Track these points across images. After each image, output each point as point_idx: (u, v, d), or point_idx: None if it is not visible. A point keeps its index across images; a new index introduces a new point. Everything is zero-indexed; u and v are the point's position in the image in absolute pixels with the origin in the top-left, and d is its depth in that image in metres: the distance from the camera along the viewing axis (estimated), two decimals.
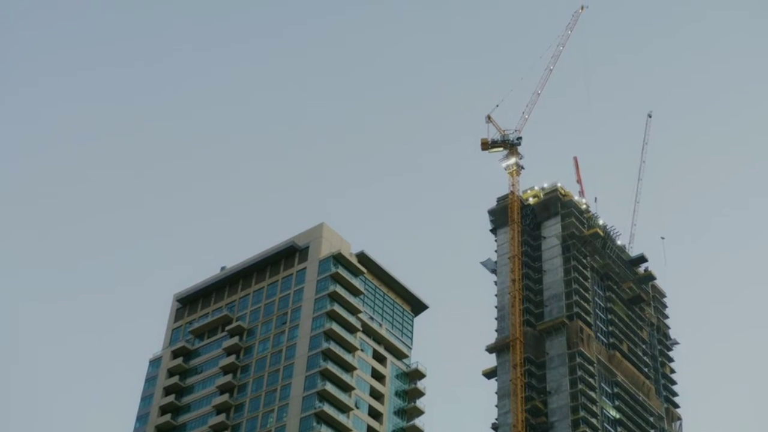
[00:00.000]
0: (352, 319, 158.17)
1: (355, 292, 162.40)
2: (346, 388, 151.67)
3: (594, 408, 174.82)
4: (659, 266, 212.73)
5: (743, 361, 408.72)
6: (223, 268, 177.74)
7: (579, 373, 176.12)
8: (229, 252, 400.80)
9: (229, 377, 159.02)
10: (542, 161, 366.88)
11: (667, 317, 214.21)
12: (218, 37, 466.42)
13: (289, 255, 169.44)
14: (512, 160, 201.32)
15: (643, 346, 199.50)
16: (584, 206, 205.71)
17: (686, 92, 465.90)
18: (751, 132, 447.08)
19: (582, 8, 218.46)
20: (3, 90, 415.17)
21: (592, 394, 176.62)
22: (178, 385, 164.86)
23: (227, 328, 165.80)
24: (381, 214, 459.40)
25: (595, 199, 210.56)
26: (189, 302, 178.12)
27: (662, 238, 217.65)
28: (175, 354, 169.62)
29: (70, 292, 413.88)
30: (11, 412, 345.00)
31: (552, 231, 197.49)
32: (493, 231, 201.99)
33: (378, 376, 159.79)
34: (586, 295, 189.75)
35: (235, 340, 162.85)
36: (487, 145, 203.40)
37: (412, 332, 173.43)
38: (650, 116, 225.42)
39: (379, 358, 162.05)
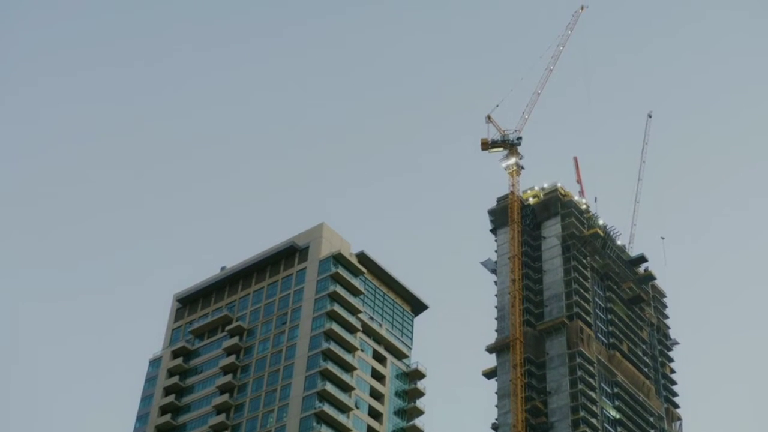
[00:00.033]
0: (352, 319, 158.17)
1: (355, 292, 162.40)
2: (346, 388, 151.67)
3: (594, 408, 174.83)
4: (659, 266, 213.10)
5: (743, 361, 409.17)
6: (223, 268, 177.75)
7: (579, 373, 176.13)
8: (229, 252, 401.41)
9: (229, 377, 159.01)
10: (542, 161, 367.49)
11: (667, 317, 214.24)
12: (218, 37, 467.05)
13: (289, 255, 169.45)
14: (512, 160, 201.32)
15: (643, 346, 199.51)
16: (584, 206, 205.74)
17: (686, 92, 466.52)
18: (751, 132, 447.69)
19: (582, 8, 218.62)
20: (3, 90, 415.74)
21: (592, 394, 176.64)
22: (178, 385, 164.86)
23: (227, 328, 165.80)
24: (381, 214, 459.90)
25: (595, 199, 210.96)
26: (189, 302, 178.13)
27: (662, 238, 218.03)
28: (175, 354, 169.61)
29: (70, 292, 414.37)
30: (11, 412, 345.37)
31: (552, 231, 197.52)
32: (493, 231, 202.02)
33: (378, 376, 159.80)
34: (586, 295, 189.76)
35: (235, 340, 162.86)
36: (487, 145, 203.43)
37: (412, 332, 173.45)
38: (650, 116, 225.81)
39: (379, 358, 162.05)
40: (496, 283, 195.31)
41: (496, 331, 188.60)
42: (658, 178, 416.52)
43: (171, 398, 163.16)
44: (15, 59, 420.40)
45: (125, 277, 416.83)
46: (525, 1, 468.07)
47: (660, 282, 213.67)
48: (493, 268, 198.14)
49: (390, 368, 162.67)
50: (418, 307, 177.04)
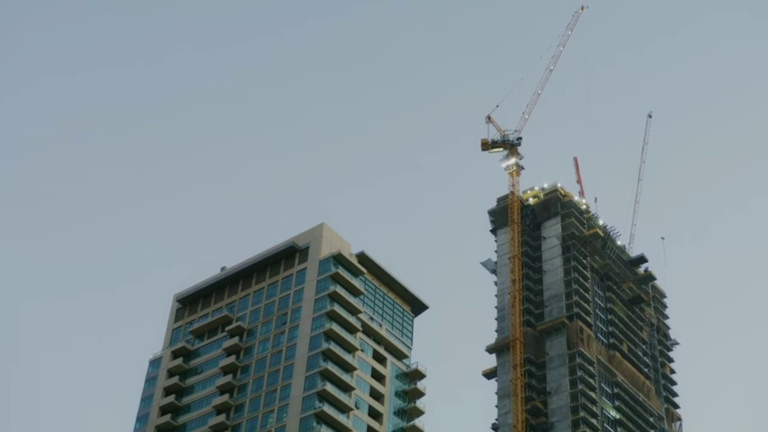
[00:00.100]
0: (352, 319, 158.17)
1: (355, 292, 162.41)
2: (346, 388, 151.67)
3: (594, 408, 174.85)
4: (659, 266, 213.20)
5: (743, 361, 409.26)
6: (223, 268, 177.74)
7: (579, 373, 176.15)
8: (229, 252, 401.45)
9: (229, 377, 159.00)
10: (542, 161, 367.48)
11: (667, 317, 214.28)
12: (218, 37, 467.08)
13: (289, 255, 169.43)
14: (512, 160, 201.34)
15: (643, 347, 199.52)
16: (584, 206, 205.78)
17: (686, 92, 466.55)
18: (751, 132, 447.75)
19: (582, 8, 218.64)
20: (3, 90, 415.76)
21: (592, 394, 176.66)
22: (178, 386, 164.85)
23: (227, 328, 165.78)
24: (381, 214, 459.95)
25: (595, 199, 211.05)
26: (189, 302, 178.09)
27: (662, 238, 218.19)
28: (175, 354, 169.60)
29: (70, 292, 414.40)
30: (11, 412, 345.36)
31: (552, 231, 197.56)
32: (493, 231, 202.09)
33: (378, 377, 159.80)
34: (586, 295, 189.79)
35: (235, 340, 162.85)
36: (487, 146, 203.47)
37: (412, 332, 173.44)
38: (650, 116, 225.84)
39: (379, 359, 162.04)
40: (496, 283, 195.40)
41: (496, 331, 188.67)
42: (658, 178, 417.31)
43: (171, 398, 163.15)
44: (15, 59, 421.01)
45: (125, 277, 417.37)
46: (525, 1, 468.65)
47: (660, 282, 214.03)
48: (493, 268, 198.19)
49: (390, 368, 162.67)
50: (418, 307, 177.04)
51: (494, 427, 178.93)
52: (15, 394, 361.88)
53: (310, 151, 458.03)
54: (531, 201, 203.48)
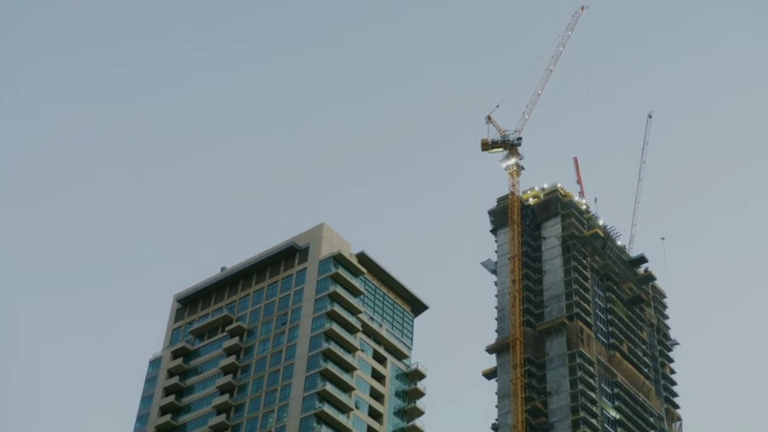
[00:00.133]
0: (352, 319, 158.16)
1: (355, 292, 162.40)
2: (347, 388, 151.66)
3: (594, 408, 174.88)
4: (659, 266, 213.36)
5: (743, 361, 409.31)
6: (223, 269, 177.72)
7: (579, 373, 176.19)
8: (229, 252, 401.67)
9: (229, 377, 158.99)
10: (542, 161, 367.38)
11: (667, 317, 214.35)
12: (218, 37, 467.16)
13: (289, 255, 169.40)
14: (512, 160, 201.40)
15: (643, 347, 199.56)
16: (584, 207, 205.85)
17: (686, 92, 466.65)
18: (751, 132, 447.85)
19: (582, 8, 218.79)
20: (3, 90, 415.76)
21: (592, 394, 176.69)
22: (179, 386, 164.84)
23: (227, 328, 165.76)
24: (381, 214, 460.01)
25: (595, 199, 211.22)
26: (189, 302, 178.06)
27: (662, 238, 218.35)
28: (175, 354, 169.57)
29: (70, 292, 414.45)
30: (11, 412, 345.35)
31: (552, 231, 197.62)
32: (493, 231, 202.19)
33: (378, 377, 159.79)
34: (586, 295, 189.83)
35: (236, 340, 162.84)
36: (487, 146, 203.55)
37: (412, 332, 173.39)
38: (650, 116, 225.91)
39: (379, 359, 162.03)
40: (496, 283, 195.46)
41: (496, 331, 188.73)
42: (658, 179, 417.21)
43: (171, 398, 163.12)
44: (15, 59, 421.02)
45: (125, 277, 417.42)
46: (525, 1, 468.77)
47: (660, 282, 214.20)
48: (493, 268, 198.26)
49: (390, 368, 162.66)
50: (418, 307, 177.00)
51: (494, 427, 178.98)
52: (15, 394, 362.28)
53: (310, 151, 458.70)
54: (531, 201, 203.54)
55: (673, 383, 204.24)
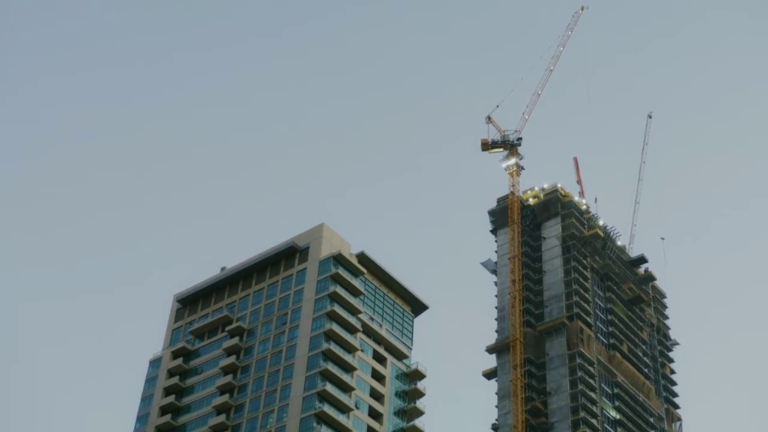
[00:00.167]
0: (352, 319, 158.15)
1: (355, 292, 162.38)
2: (347, 388, 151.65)
3: (594, 408, 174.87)
4: (659, 267, 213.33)
5: (743, 361, 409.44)
6: (223, 269, 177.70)
7: (579, 373, 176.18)
8: (229, 252, 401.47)
9: (229, 378, 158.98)
10: (542, 162, 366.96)
11: (667, 318, 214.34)
12: (218, 37, 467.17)
13: (289, 255, 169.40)
14: (512, 160, 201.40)
15: (644, 347, 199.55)
16: (584, 207, 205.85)
17: (686, 92, 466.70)
18: (751, 132, 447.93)
19: (582, 9, 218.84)
20: (3, 90, 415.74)
21: (592, 394, 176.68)
22: (178, 386, 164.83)
23: (227, 328, 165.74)
24: (381, 214, 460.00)
25: (596, 199, 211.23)
26: (189, 302, 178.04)
27: (662, 238, 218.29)
28: (175, 354, 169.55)
29: (70, 292, 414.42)
30: (11, 412, 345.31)
31: (552, 231, 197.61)
32: (494, 231, 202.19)
33: (378, 377, 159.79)
34: (586, 295, 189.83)
35: (236, 340, 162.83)
36: (487, 146, 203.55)
37: (412, 333, 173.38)
38: (650, 117, 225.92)
39: (379, 359, 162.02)
40: (496, 283, 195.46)
41: (496, 331, 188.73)
42: (658, 179, 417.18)
43: (171, 399, 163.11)
44: (15, 59, 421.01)
45: (125, 277, 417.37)
46: (525, 1, 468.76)
47: (660, 282, 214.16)
48: (493, 268, 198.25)
49: (390, 369, 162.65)
50: (418, 307, 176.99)
51: (494, 427, 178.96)
52: (15, 394, 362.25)
53: (310, 151, 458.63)
54: (531, 201, 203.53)
55: (673, 383, 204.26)
